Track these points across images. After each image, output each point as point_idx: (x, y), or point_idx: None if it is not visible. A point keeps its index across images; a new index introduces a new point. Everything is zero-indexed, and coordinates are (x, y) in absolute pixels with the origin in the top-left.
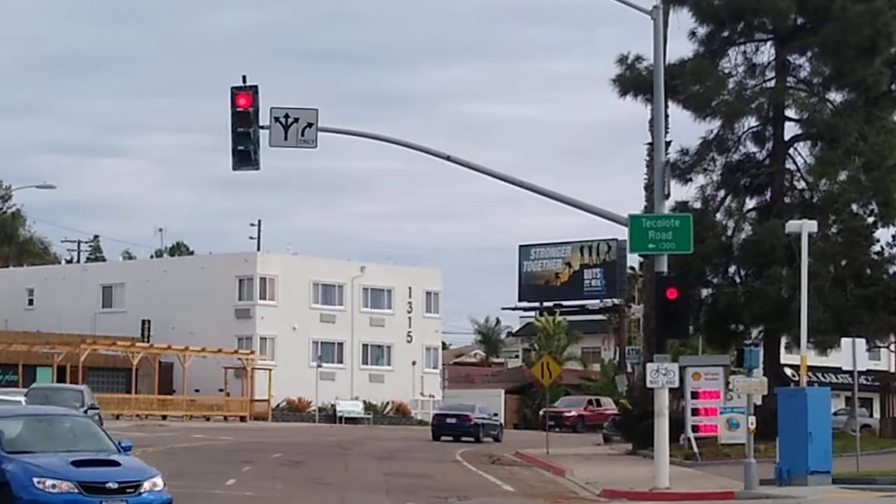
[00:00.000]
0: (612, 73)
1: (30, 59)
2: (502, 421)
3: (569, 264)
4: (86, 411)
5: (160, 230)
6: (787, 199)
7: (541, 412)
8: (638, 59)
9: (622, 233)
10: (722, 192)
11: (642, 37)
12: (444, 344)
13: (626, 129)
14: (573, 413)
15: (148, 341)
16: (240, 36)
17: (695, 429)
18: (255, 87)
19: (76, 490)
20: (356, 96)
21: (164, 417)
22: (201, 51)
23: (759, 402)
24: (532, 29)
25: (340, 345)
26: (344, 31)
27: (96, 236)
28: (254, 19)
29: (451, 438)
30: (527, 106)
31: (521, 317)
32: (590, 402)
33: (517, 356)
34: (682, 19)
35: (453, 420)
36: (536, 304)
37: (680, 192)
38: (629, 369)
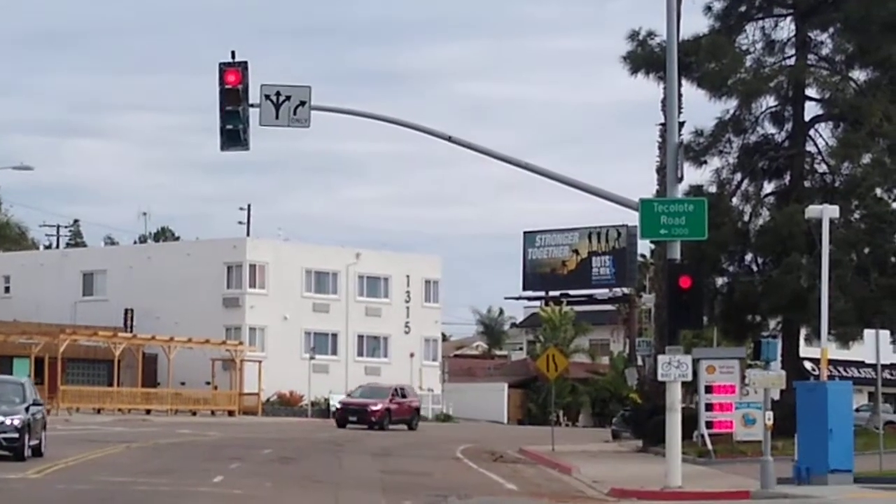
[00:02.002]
0: (622, 49)
1: (2, 35)
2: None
3: (576, 251)
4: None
5: (144, 214)
6: (807, 184)
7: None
8: (650, 34)
9: (632, 218)
10: (738, 176)
11: (654, 11)
12: (443, 335)
13: (636, 109)
14: (379, 406)
15: (131, 331)
16: (225, 9)
17: (709, 425)
18: (245, 63)
19: None
20: (348, 74)
21: (148, 412)
22: (183, 25)
23: (776, 397)
24: (536, 3)
25: (334, 335)
26: (336, 5)
27: (76, 221)
28: None
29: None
30: (530, 85)
31: (525, 307)
32: (395, 392)
33: (521, 348)
34: None
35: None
36: (542, 294)
37: (694, 175)
38: (640, 362)
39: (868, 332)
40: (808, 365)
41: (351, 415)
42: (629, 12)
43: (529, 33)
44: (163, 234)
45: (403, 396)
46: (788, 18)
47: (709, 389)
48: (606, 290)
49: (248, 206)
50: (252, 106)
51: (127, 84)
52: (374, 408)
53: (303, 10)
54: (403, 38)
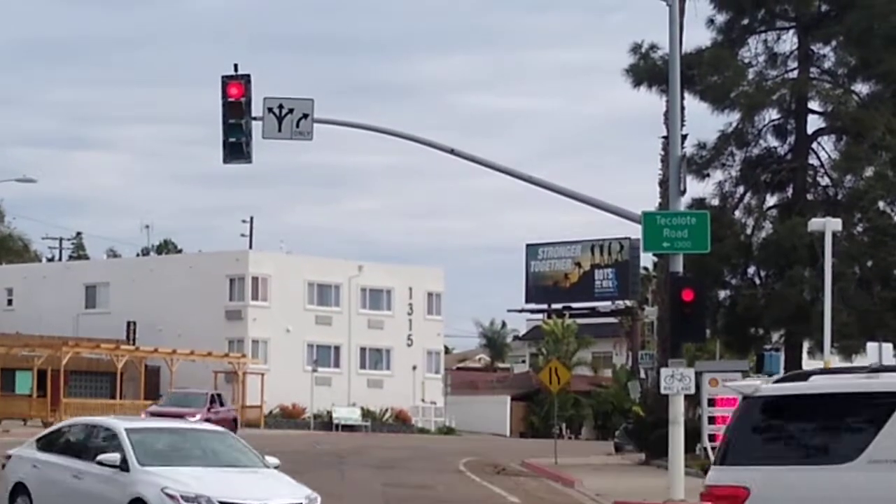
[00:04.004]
0: (624, 62)
1: (3, 46)
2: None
3: (578, 264)
4: None
5: (146, 227)
6: (809, 196)
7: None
8: (653, 47)
9: (635, 231)
10: (741, 189)
11: (657, 24)
12: (446, 348)
13: (639, 122)
14: (197, 418)
15: (134, 344)
16: (229, 22)
17: (712, 438)
18: (248, 75)
19: None
20: (350, 87)
21: None
22: (186, 37)
23: None
24: (537, 15)
25: (337, 348)
26: (338, 18)
27: (79, 233)
28: (242, 4)
29: None
30: (532, 97)
31: (528, 320)
32: (213, 399)
33: (524, 361)
34: (700, 6)
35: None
36: (544, 307)
37: (697, 188)
38: (642, 375)
39: (871, 345)
40: None
41: None
42: (630, 25)
43: (532, 46)
44: (165, 247)
45: (221, 405)
46: (791, 31)
47: (712, 402)
48: (609, 303)
49: (251, 218)
50: (255, 119)
51: (130, 96)
52: (191, 419)
53: (305, 22)
54: (406, 51)
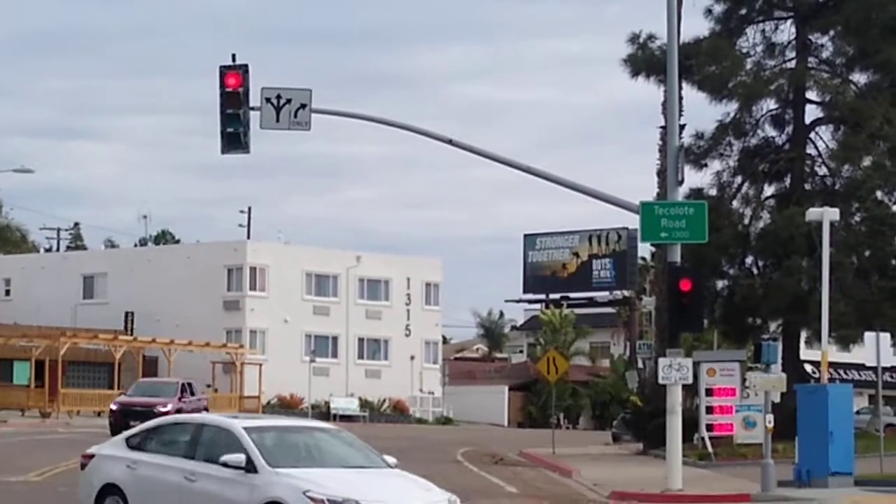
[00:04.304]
0: (622, 52)
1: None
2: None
3: (576, 254)
4: None
5: (144, 217)
6: (807, 186)
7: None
8: (650, 37)
9: (633, 221)
10: (739, 179)
11: (654, 14)
12: (444, 338)
13: (637, 112)
14: (169, 407)
15: (131, 334)
16: (225, 12)
17: (709, 428)
18: (246, 66)
19: None
20: (348, 77)
21: None
22: (183, 28)
23: (777, 400)
24: (534, 6)
25: (335, 338)
26: (335, 8)
27: (77, 223)
28: None
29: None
30: (530, 88)
31: (525, 310)
32: (184, 388)
33: (522, 351)
34: None
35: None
36: (542, 297)
37: (694, 178)
38: (640, 365)
39: (868, 335)
40: (808, 368)
41: (133, 418)
42: (628, 15)
43: (529, 36)
44: (163, 237)
45: (192, 394)
46: (789, 21)
47: (709, 392)
48: (607, 293)
49: (249, 208)
50: (253, 109)
51: (127, 86)
52: (162, 409)
53: (303, 13)
54: (403, 42)
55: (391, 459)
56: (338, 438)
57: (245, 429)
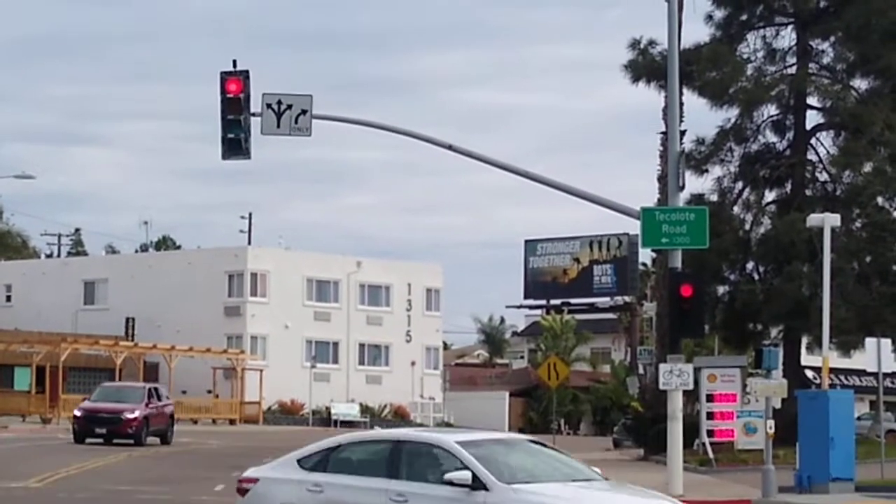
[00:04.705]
0: (622, 58)
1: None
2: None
3: (577, 260)
4: None
5: (145, 223)
6: (808, 192)
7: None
8: (651, 43)
9: (634, 227)
10: (740, 184)
11: (655, 20)
12: (445, 344)
13: (637, 117)
14: (137, 414)
15: (132, 340)
16: (226, 18)
17: (710, 433)
18: (247, 71)
19: None
20: (348, 83)
21: None
22: (183, 33)
23: (778, 406)
24: (535, 11)
25: (336, 344)
26: (335, 14)
27: (77, 229)
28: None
29: (101, 441)
30: (530, 93)
31: (526, 315)
32: (151, 393)
33: (522, 357)
34: (698, 2)
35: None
36: (543, 302)
37: (695, 184)
38: (641, 371)
39: (869, 341)
40: (809, 373)
41: (98, 425)
42: (628, 20)
43: (530, 41)
44: (164, 243)
45: (159, 399)
46: (789, 27)
47: (710, 398)
48: (608, 299)
49: (250, 214)
50: (253, 115)
51: (127, 92)
52: (130, 415)
53: (303, 18)
54: (403, 47)
55: (597, 470)
56: (543, 450)
57: (458, 443)
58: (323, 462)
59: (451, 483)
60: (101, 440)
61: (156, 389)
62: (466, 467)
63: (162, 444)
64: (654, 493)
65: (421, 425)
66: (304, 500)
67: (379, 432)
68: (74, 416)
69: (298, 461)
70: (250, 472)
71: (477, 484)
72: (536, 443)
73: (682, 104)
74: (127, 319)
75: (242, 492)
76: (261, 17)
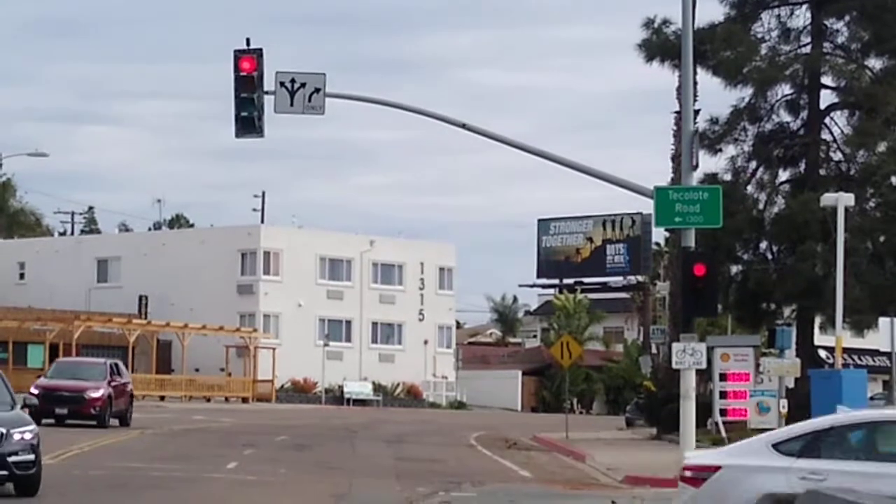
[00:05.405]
0: (636, 37)
1: (11, 22)
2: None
3: (590, 239)
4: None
5: (158, 201)
6: (822, 172)
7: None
8: (665, 22)
9: (647, 206)
10: (753, 164)
11: None
12: (457, 323)
13: (651, 97)
14: (101, 393)
15: (145, 318)
16: None
17: (723, 413)
18: (260, 50)
19: None
20: (360, 63)
21: (163, 398)
22: (195, 13)
23: (791, 385)
24: None
25: (348, 323)
26: None
27: (91, 207)
28: None
29: (55, 423)
30: (543, 73)
31: (539, 294)
32: (112, 370)
33: (535, 336)
34: None
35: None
36: (556, 282)
37: (709, 163)
38: (654, 350)
39: (883, 321)
40: (822, 353)
41: (59, 404)
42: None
43: (541, 21)
44: (177, 221)
45: (120, 375)
46: (804, 6)
47: (723, 377)
48: (621, 278)
49: (263, 193)
50: (267, 93)
51: (140, 71)
52: (94, 394)
53: (312, 0)
54: (416, 27)
55: None
56: None
57: None
58: (808, 447)
59: None
60: (55, 421)
61: (116, 365)
62: None
63: (121, 425)
64: None
65: (434, 404)
66: (797, 490)
67: (877, 413)
68: (33, 394)
69: (774, 446)
70: (704, 459)
71: None
72: None
73: (696, 83)
74: (140, 297)
75: (694, 481)
76: None
